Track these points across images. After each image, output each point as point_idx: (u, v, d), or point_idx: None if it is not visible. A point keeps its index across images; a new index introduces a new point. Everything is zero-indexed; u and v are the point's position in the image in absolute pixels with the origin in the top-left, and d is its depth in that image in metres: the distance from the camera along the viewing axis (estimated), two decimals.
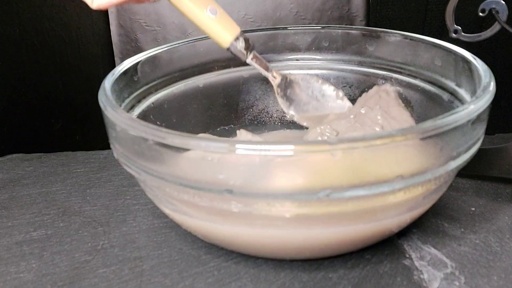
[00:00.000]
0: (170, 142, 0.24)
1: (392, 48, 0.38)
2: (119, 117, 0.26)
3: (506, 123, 0.51)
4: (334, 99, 0.39)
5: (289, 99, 0.39)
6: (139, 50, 0.67)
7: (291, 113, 0.39)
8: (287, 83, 0.39)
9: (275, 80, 0.38)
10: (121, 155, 0.27)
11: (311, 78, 0.40)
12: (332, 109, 0.39)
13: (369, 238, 0.28)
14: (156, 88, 0.37)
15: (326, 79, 0.41)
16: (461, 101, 0.32)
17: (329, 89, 0.39)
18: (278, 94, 0.38)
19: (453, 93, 0.33)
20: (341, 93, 0.39)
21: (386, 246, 0.30)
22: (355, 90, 0.41)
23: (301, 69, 0.42)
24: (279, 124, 0.43)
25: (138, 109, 0.35)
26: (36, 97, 0.52)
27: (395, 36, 0.37)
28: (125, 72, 0.33)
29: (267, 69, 0.37)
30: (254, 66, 0.36)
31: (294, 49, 0.41)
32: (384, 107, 0.35)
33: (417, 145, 0.23)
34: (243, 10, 0.65)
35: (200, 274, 0.28)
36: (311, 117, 0.39)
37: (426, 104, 0.36)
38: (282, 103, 0.39)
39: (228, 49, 0.34)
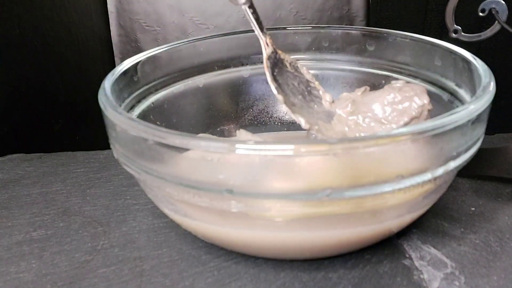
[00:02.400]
0: (170, 142, 0.24)
1: (392, 48, 0.37)
2: (119, 117, 0.26)
3: (506, 123, 0.51)
4: (320, 102, 0.35)
5: (277, 80, 0.34)
6: (139, 50, 0.67)
7: (279, 96, 0.33)
8: (276, 60, 0.34)
9: (267, 48, 0.34)
10: (121, 155, 0.27)
11: (300, 68, 0.35)
12: (317, 114, 0.34)
13: (369, 238, 0.28)
14: (156, 88, 0.37)
15: (326, 79, 0.40)
16: (461, 101, 0.32)
17: (316, 89, 0.35)
18: (267, 68, 0.34)
19: (453, 93, 0.33)
20: (328, 97, 0.35)
21: (386, 246, 0.30)
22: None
23: None
24: (279, 124, 0.43)
25: (138, 109, 0.35)
26: (36, 97, 0.52)
27: (395, 36, 0.37)
28: (125, 72, 0.33)
29: (262, 29, 0.33)
30: (248, 17, 0.33)
31: (294, 49, 0.41)
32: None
33: (417, 145, 0.23)
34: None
35: (200, 274, 0.28)
36: (301, 112, 0.34)
37: None
38: (271, 81, 0.33)
39: None
